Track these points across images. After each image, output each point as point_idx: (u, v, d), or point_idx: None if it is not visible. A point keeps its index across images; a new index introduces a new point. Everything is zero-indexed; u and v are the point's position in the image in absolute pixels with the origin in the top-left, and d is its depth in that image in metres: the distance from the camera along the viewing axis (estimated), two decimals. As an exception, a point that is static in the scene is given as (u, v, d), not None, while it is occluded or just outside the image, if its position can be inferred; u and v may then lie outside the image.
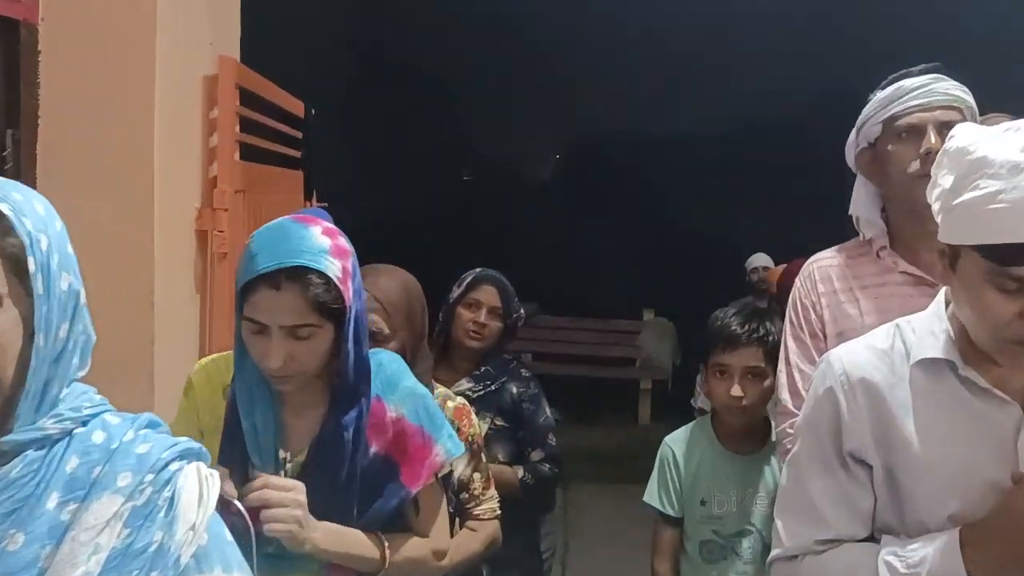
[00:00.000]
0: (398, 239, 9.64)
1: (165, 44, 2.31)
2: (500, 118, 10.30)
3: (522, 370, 2.88)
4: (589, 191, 9.58)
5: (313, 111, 3.66)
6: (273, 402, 1.70)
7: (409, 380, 1.81)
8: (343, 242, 1.67)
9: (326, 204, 3.85)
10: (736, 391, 2.28)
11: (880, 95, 2.05)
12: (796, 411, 2.00)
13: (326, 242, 1.63)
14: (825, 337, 2.05)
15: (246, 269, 1.62)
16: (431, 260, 8.55)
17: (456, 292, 2.85)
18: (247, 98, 2.83)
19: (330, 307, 1.61)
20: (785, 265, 4.81)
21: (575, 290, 8.37)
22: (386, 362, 1.81)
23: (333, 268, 1.61)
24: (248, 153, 3.00)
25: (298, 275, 1.58)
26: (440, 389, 2.31)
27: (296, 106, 3.48)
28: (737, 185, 8.65)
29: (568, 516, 6.16)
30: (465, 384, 2.80)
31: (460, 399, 2.30)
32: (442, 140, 10.53)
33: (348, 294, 1.64)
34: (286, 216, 1.70)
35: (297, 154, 3.56)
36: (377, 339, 2.11)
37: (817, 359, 2.02)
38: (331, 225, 1.69)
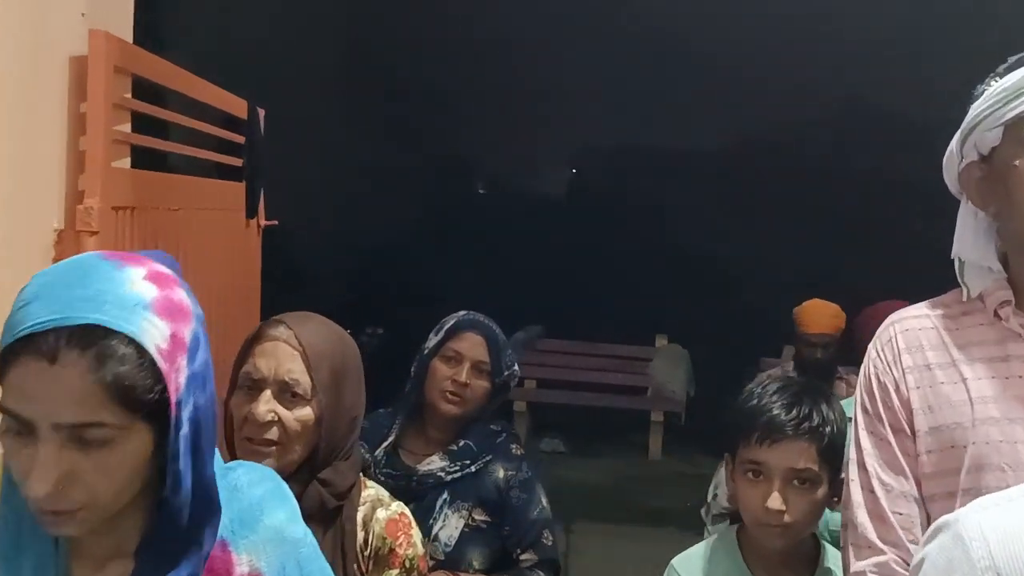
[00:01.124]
0: (400, 255, 9.07)
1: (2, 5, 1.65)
2: (510, 132, 9.77)
3: (513, 446, 2.19)
4: (601, 208, 8.99)
5: (261, 111, 3.00)
6: (56, 545, 1.03)
7: (279, 514, 1.12)
8: (181, 298, 1.00)
9: (276, 221, 3.20)
10: (775, 502, 1.58)
11: (997, 87, 1.35)
12: (882, 545, 1.33)
13: (148, 291, 0.96)
14: (913, 433, 1.37)
15: (8, 327, 0.95)
16: (431, 280, 7.97)
17: (433, 341, 2.17)
18: (149, 91, 2.18)
19: (141, 397, 0.94)
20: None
21: (583, 312, 7.72)
22: (246, 484, 1.12)
23: (152, 333, 0.94)
24: (162, 162, 2.36)
25: (89, 339, 0.92)
26: (370, 491, 1.64)
27: (235, 105, 2.82)
28: (761, 204, 8.00)
29: (568, 561, 5.50)
30: (438, 462, 2.12)
31: (397, 506, 1.63)
32: (449, 154, 10.01)
33: (177, 377, 0.96)
34: (97, 252, 1.04)
35: (237, 162, 2.90)
36: (291, 392, 1.48)
37: (905, 466, 1.34)
38: (168, 272, 1.02)
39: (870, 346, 1.43)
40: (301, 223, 8.31)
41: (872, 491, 1.36)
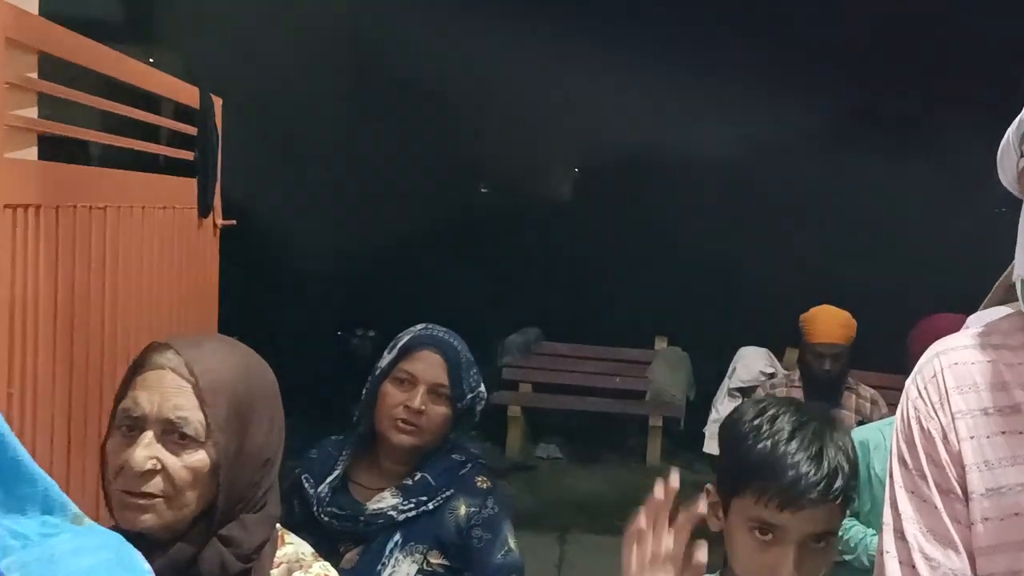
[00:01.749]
0: (396, 254, 8.78)
1: None
2: (511, 131, 9.51)
3: (478, 478, 1.86)
4: (601, 207, 8.70)
5: (217, 100, 2.69)
6: None
7: None
8: None
9: (234, 221, 2.89)
10: (788, 571, 1.26)
11: None
12: None
13: None
14: (966, 495, 1.05)
15: None
16: (430, 280, 7.68)
17: (385, 360, 1.85)
18: (64, 69, 1.87)
19: None
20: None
21: (581, 314, 7.42)
22: (67, 553, 0.81)
23: None
24: (111, 157, 2.05)
25: None
26: (288, 548, 1.32)
27: (185, 92, 2.51)
28: (765, 204, 7.70)
29: (563, 574, 5.22)
30: (389, 499, 1.80)
31: (320, 567, 1.30)
32: (449, 153, 9.74)
33: None
34: None
35: (188, 156, 2.59)
36: (178, 433, 1.17)
37: (955, 536, 1.03)
38: None
39: (909, 383, 1.11)
40: (296, 221, 8.06)
41: (913, 567, 1.04)
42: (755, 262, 7.19)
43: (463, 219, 8.94)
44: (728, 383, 4.43)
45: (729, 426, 1.39)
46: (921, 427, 1.07)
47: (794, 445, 1.27)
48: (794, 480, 1.25)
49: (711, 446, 4.33)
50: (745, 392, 4.27)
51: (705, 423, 6.31)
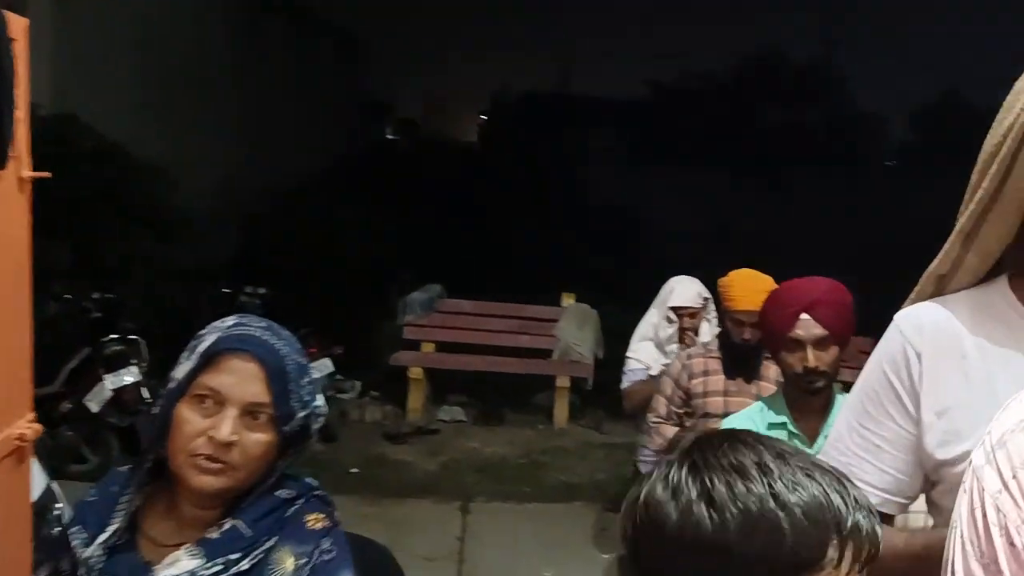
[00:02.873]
0: (290, 206, 8.21)
1: None
2: (419, 75, 9.01)
3: (310, 517, 1.34)
4: (507, 157, 8.30)
5: (19, 21, 2.13)
6: None
7: None
8: None
9: (49, 174, 2.34)
10: None
11: None
12: None
13: None
14: None
15: None
16: (325, 234, 7.14)
17: (181, 369, 1.30)
18: None
19: None
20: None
21: (484, 269, 7.04)
22: None
23: None
24: None
25: None
26: None
27: (-35, 6, 1.96)
28: (677, 155, 7.43)
29: (466, 547, 4.86)
30: (185, 561, 1.27)
31: None
32: (352, 96, 9.17)
33: None
34: None
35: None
36: None
37: None
38: None
39: (980, 460, 0.66)
40: (181, 164, 7.40)
41: None
42: (667, 216, 6.91)
43: (362, 166, 8.42)
44: (659, 311, 4.06)
45: (660, 521, 0.83)
46: (1010, 543, 0.66)
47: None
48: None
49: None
50: (679, 312, 3.90)
51: (611, 383, 5.99)
